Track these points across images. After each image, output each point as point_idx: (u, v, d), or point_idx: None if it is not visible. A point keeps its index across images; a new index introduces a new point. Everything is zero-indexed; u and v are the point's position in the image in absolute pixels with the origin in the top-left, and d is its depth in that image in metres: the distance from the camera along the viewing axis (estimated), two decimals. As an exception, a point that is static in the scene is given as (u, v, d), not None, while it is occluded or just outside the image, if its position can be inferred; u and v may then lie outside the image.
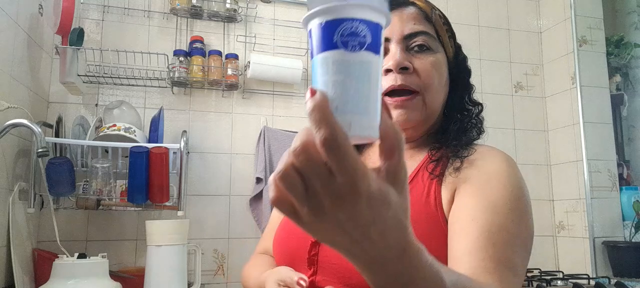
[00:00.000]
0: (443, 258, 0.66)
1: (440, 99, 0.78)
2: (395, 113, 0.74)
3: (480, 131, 0.82)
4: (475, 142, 0.79)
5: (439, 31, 0.79)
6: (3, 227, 1.48)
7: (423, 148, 0.80)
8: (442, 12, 0.81)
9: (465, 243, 0.64)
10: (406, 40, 0.76)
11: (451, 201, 0.70)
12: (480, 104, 0.83)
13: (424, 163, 0.77)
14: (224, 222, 2.00)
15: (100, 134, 1.74)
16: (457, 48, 0.81)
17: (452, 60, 0.80)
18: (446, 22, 0.81)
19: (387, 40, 0.76)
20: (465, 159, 0.73)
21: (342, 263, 0.67)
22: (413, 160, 0.78)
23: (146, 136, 1.84)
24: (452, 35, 0.81)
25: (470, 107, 0.81)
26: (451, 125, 0.78)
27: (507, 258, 0.63)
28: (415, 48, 0.76)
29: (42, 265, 1.59)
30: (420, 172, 0.75)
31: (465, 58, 0.82)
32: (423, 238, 0.45)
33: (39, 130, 1.38)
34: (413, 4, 0.80)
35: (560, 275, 1.94)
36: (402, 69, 0.74)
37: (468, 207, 0.67)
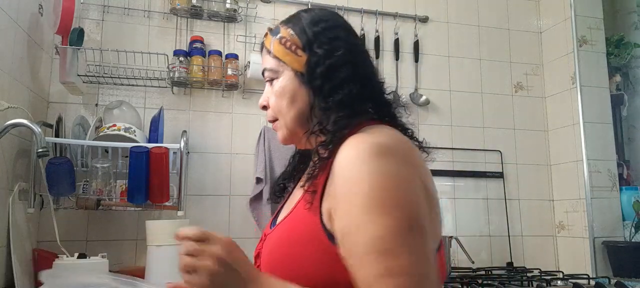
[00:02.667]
0: (332, 279, 0.69)
1: (293, 114, 0.83)
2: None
3: (350, 116, 0.77)
4: (349, 131, 0.76)
5: (280, 57, 0.84)
6: (3, 227, 1.48)
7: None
8: (288, 29, 0.85)
9: (353, 275, 0.66)
10: (265, 78, 0.88)
11: (331, 217, 0.71)
12: (351, 85, 0.79)
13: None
14: (224, 222, 2.00)
15: (100, 134, 1.74)
16: (314, 54, 0.81)
17: (304, 68, 0.81)
18: (293, 37, 0.84)
19: None
20: (333, 165, 0.72)
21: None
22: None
23: (146, 136, 1.84)
24: (305, 45, 0.82)
25: (333, 99, 0.78)
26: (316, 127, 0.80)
27: (378, 272, 0.62)
28: (269, 82, 0.87)
29: (42, 265, 1.58)
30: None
31: (328, 53, 0.80)
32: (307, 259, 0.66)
33: (39, 130, 1.38)
34: (263, 44, 0.90)
35: (560, 275, 1.94)
36: (263, 108, 0.89)
37: (339, 232, 0.68)
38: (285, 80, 0.84)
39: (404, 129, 0.84)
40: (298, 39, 0.84)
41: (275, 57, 0.85)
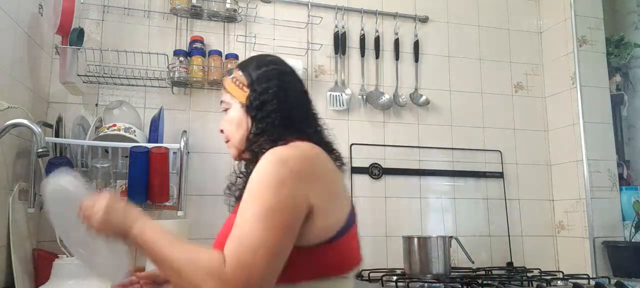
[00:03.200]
0: None
1: (239, 136, 1.06)
2: None
3: (272, 140, 0.98)
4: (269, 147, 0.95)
5: (231, 93, 1.08)
6: (3, 227, 1.48)
7: None
8: (239, 71, 1.08)
9: None
10: (222, 109, 1.12)
11: None
12: (275, 112, 1.01)
13: None
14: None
15: (100, 134, 1.74)
16: (254, 91, 1.04)
17: (247, 101, 1.05)
18: (242, 77, 1.07)
19: None
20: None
21: None
22: None
23: (146, 136, 1.84)
24: (249, 84, 1.06)
25: (262, 125, 1.02)
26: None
27: (236, 235, 0.84)
28: (225, 111, 1.11)
29: (42, 265, 1.59)
30: None
31: (263, 91, 1.03)
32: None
33: (39, 130, 1.38)
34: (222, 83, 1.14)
35: (560, 275, 1.94)
36: (221, 132, 1.12)
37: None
38: (235, 110, 1.07)
39: (325, 144, 1.04)
40: (245, 78, 1.06)
41: (228, 92, 1.08)
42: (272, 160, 0.89)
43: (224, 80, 1.11)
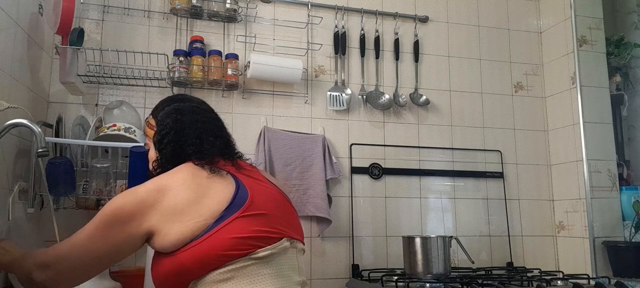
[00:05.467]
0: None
1: (153, 166, 1.25)
2: None
3: (170, 162, 1.19)
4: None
5: (146, 134, 1.32)
6: (3, 227, 1.48)
7: None
8: (150, 117, 1.31)
9: None
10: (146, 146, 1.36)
11: None
12: (169, 144, 1.22)
13: None
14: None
15: (100, 134, 1.74)
16: (157, 129, 1.26)
17: (153, 139, 1.26)
18: (151, 120, 1.30)
19: None
20: None
21: None
22: None
23: (146, 136, 1.84)
24: (155, 124, 1.28)
25: (160, 157, 1.23)
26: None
27: (73, 235, 1.08)
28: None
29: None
30: None
31: (164, 126, 1.24)
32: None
33: (39, 130, 1.37)
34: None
35: (560, 275, 1.94)
36: None
37: None
38: (152, 149, 1.28)
39: (210, 162, 1.17)
40: (153, 120, 1.29)
41: (146, 134, 1.32)
42: (127, 192, 1.09)
43: (144, 126, 1.35)
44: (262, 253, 1.05)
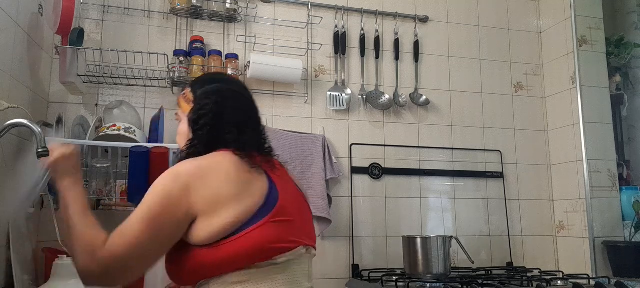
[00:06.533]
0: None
1: (183, 141, 1.20)
2: None
3: (198, 152, 1.12)
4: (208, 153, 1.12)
5: (180, 106, 1.24)
6: (3, 227, 1.48)
7: None
8: (188, 89, 1.23)
9: None
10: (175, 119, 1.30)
11: None
12: (206, 126, 1.15)
13: None
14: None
15: (100, 134, 1.74)
16: (195, 104, 1.20)
17: (189, 115, 1.19)
18: (189, 94, 1.22)
19: None
20: None
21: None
22: None
23: (146, 136, 1.84)
24: (193, 100, 1.21)
25: (195, 137, 1.17)
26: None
27: (121, 226, 1.03)
28: (177, 121, 1.27)
29: (48, 264, 1.57)
30: None
31: (202, 106, 1.18)
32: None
33: (39, 130, 1.37)
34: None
35: (560, 275, 1.94)
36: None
37: None
38: (183, 123, 1.22)
39: (249, 155, 1.11)
40: (191, 95, 1.21)
41: (179, 106, 1.25)
42: (168, 173, 1.05)
43: (179, 97, 1.27)
44: (280, 259, 1.05)
